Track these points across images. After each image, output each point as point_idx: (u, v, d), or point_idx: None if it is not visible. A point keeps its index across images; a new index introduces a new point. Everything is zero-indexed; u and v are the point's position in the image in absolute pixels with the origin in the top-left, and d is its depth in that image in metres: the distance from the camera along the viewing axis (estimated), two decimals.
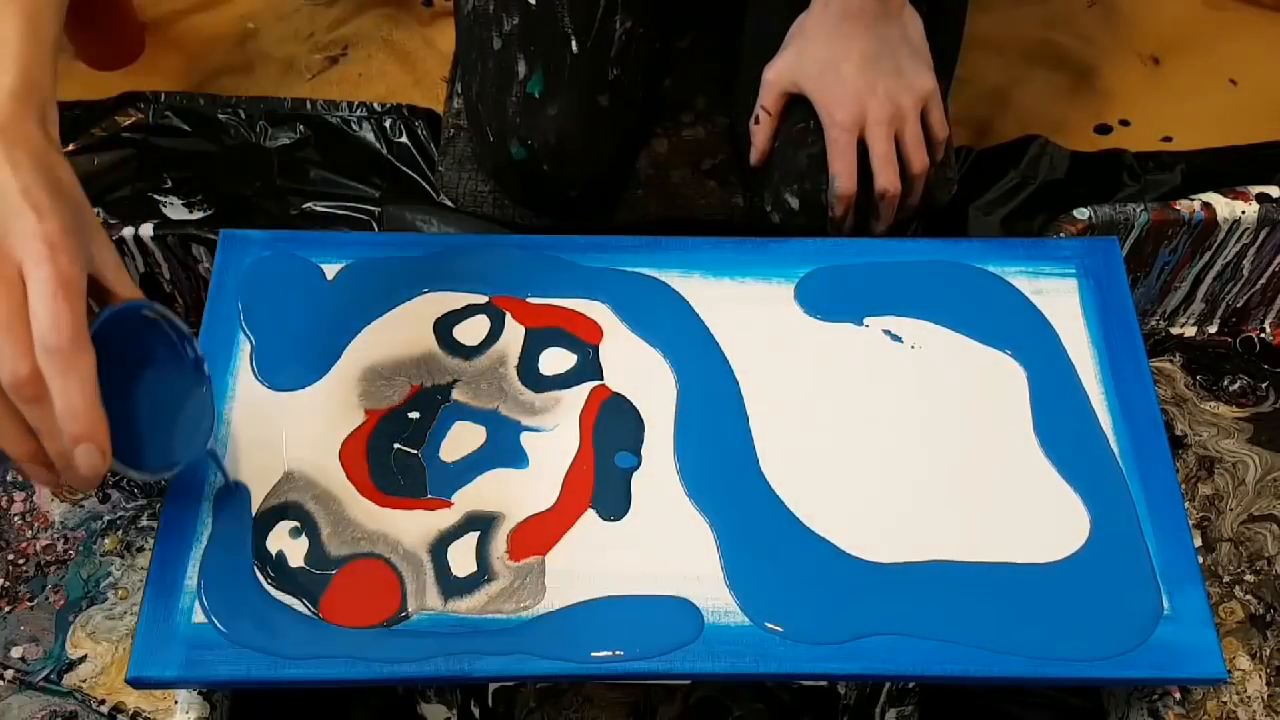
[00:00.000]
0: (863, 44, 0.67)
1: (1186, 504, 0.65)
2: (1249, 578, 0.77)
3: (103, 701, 0.71)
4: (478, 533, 0.57)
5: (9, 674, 0.71)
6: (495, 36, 0.75)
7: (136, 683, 0.53)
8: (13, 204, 0.43)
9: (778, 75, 0.71)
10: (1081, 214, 0.75)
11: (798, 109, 0.72)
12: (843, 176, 0.69)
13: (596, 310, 0.64)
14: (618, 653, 0.53)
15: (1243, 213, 0.77)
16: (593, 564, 0.56)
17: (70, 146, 0.94)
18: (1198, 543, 0.78)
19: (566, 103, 0.74)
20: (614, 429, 0.60)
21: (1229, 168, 0.96)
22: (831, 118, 0.69)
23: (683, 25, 0.92)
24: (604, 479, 0.58)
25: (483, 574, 0.55)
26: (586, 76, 0.74)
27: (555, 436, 0.60)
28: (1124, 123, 1.01)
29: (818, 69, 0.68)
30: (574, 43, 0.73)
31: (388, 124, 0.96)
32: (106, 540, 0.77)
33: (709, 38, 0.92)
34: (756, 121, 0.73)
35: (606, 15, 0.73)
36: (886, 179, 0.69)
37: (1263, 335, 0.88)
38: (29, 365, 0.43)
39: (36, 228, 0.43)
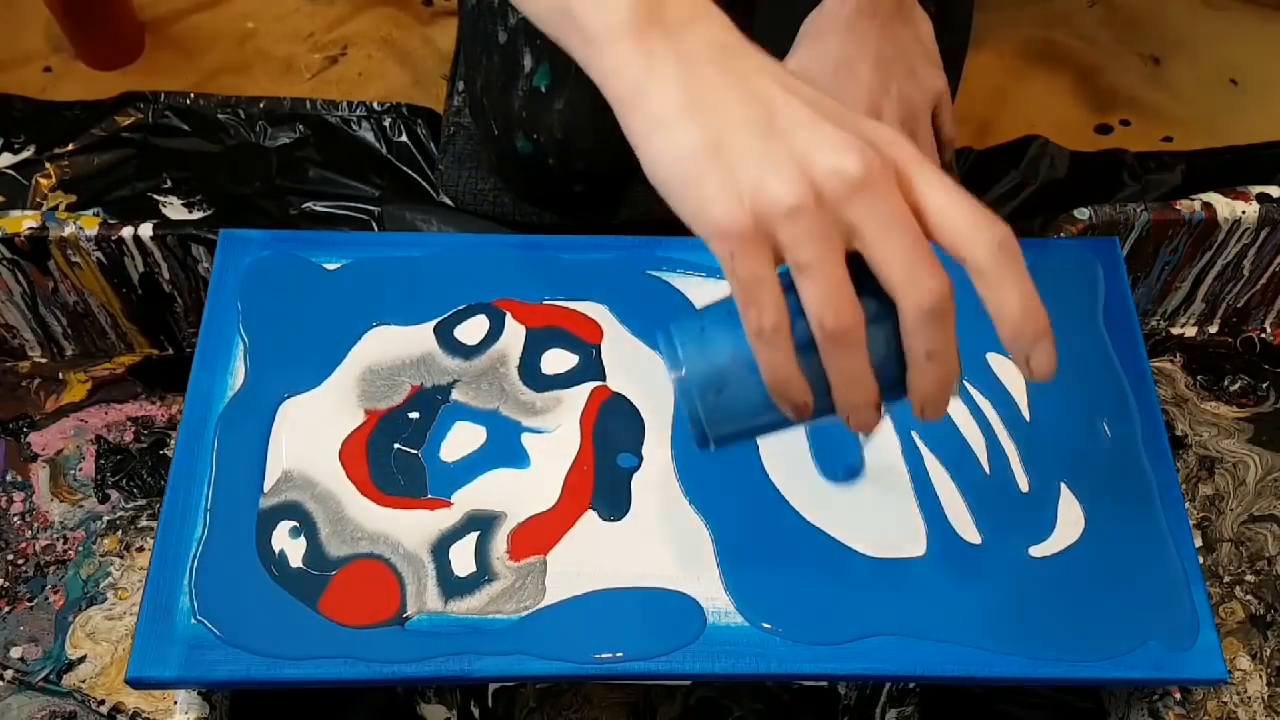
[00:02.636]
0: (877, 43, 0.67)
1: (1186, 504, 0.65)
2: (1249, 578, 0.77)
3: (102, 702, 0.71)
4: (478, 533, 0.57)
5: (8, 674, 0.71)
6: (500, 30, 0.75)
7: (136, 683, 0.53)
8: (843, 115, 0.39)
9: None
10: (1081, 214, 0.75)
11: None
12: None
13: (596, 310, 0.64)
14: (618, 653, 0.53)
15: (1243, 213, 0.77)
16: (593, 564, 0.56)
17: (70, 146, 0.94)
18: (1198, 543, 0.78)
19: (573, 97, 0.74)
20: (614, 429, 0.60)
21: (1229, 168, 0.97)
22: None
23: None
24: (604, 479, 0.58)
25: (483, 574, 0.55)
26: None
27: (556, 437, 0.60)
28: (1124, 123, 1.01)
29: (831, 68, 0.68)
30: None
31: (387, 123, 0.96)
32: (106, 540, 0.77)
33: None
34: None
35: None
36: None
37: (1263, 335, 0.88)
38: (948, 283, 0.37)
39: (882, 134, 0.39)
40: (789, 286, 0.39)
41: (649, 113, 0.40)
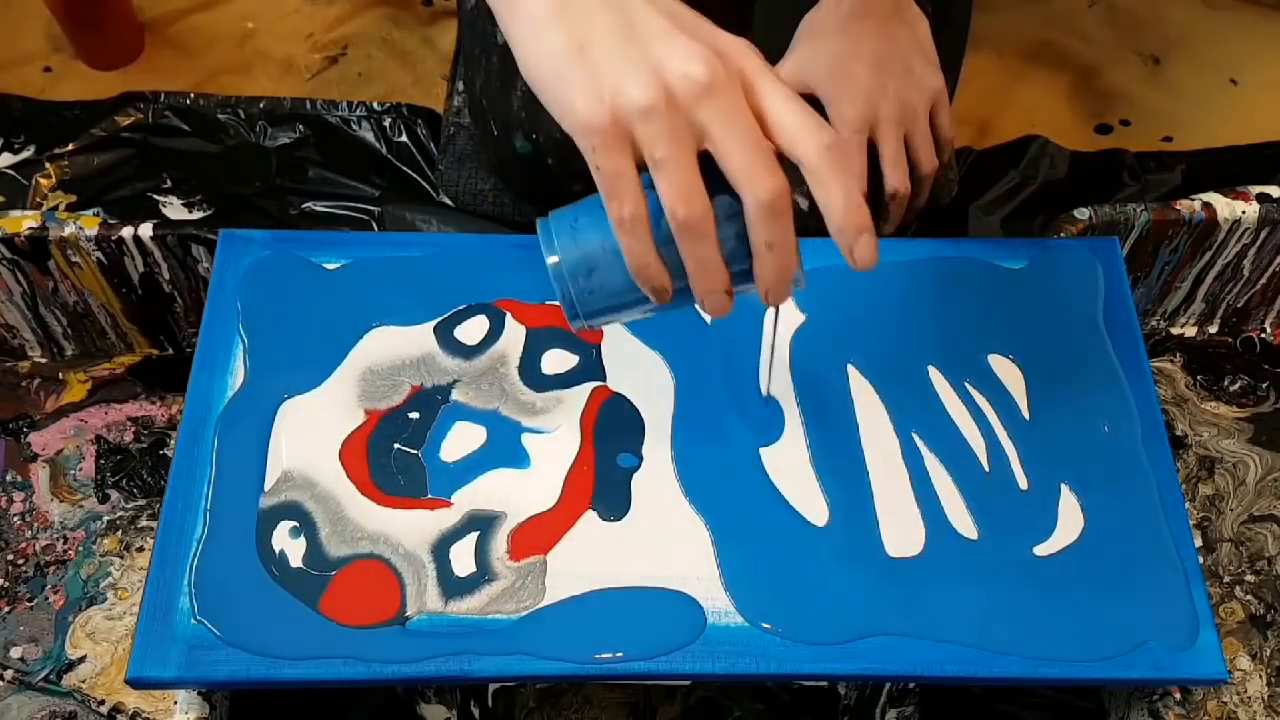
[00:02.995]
0: (874, 43, 0.67)
1: (1186, 504, 0.65)
2: (1249, 578, 0.77)
3: (102, 702, 0.71)
4: (478, 533, 0.57)
5: (8, 674, 0.71)
6: (499, 30, 0.75)
7: (136, 683, 0.53)
8: (700, 26, 0.43)
9: (787, 75, 0.71)
10: (1081, 214, 0.75)
11: None
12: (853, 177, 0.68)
13: None
14: (618, 653, 0.53)
15: (1243, 213, 0.77)
16: (593, 564, 0.56)
17: (70, 146, 0.94)
18: (1198, 543, 0.78)
19: None
20: (614, 429, 0.60)
21: (1229, 168, 0.97)
22: (842, 118, 0.68)
23: None
24: (604, 479, 0.58)
25: (483, 574, 0.55)
26: None
27: (556, 437, 0.60)
28: (1124, 123, 1.01)
29: (828, 68, 0.68)
30: None
31: (387, 123, 0.96)
32: (106, 540, 0.77)
33: None
34: None
35: None
36: (898, 180, 0.69)
37: (1263, 335, 0.88)
38: (781, 180, 0.42)
39: (732, 45, 0.43)
40: (651, 185, 0.43)
41: (525, 14, 0.44)
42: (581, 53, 0.42)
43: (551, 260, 0.47)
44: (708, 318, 0.52)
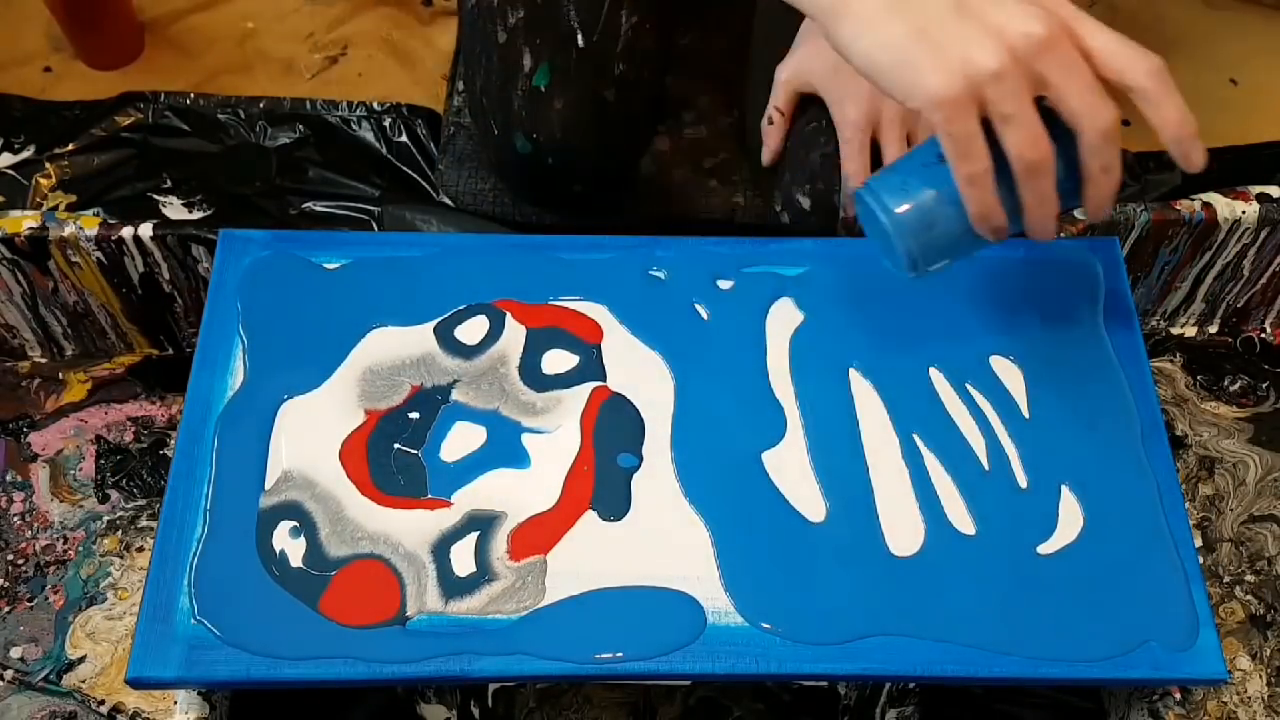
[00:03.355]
0: None
1: (1186, 504, 0.65)
2: (1249, 578, 0.77)
3: (102, 702, 0.71)
4: (478, 533, 0.57)
5: (9, 674, 0.71)
6: (500, 30, 0.75)
7: (136, 683, 0.53)
8: None
9: (790, 75, 0.71)
10: (1081, 214, 0.74)
11: (810, 108, 0.72)
12: (856, 177, 0.69)
13: (596, 311, 0.64)
14: (618, 653, 0.53)
15: (1243, 213, 0.77)
16: (593, 564, 0.56)
17: (70, 146, 0.94)
18: (1198, 543, 0.78)
19: (572, 97, 0.74)
20: (615, 429, 0.60)
21: (1229, 168, 0.97)
22: (845, 117, 0.68)
23: (687, 22, 0.92)
24: (604, 479, 0.58)
25: (483, 574, 0.55)
26: (592, 71, 0.74)
27: (556, 437, 0.60)
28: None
29: (831, 68, 0.68)
30: (580, 36, 0.73)
31: (387, 123, 0.96)
32: (106, 540, 0.77)
33: (712, 36, 0.92)
34: (770, 122, 0.73)
35: (613, 9, 0.73)
36: None
37: (1263, 335, 0.88)
38: (1117, 111, 0.48)
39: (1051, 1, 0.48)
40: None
41: (857, 15, 0.49)
42: (923, 36, 0.47)
43: (899, 213, 0.53)
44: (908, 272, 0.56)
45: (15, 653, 0.72)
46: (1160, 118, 0.49)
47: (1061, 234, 0.74)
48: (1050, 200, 0.50)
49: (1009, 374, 0.63)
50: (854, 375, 0.62)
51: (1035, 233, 0.51)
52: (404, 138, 0.95)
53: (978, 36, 0.46)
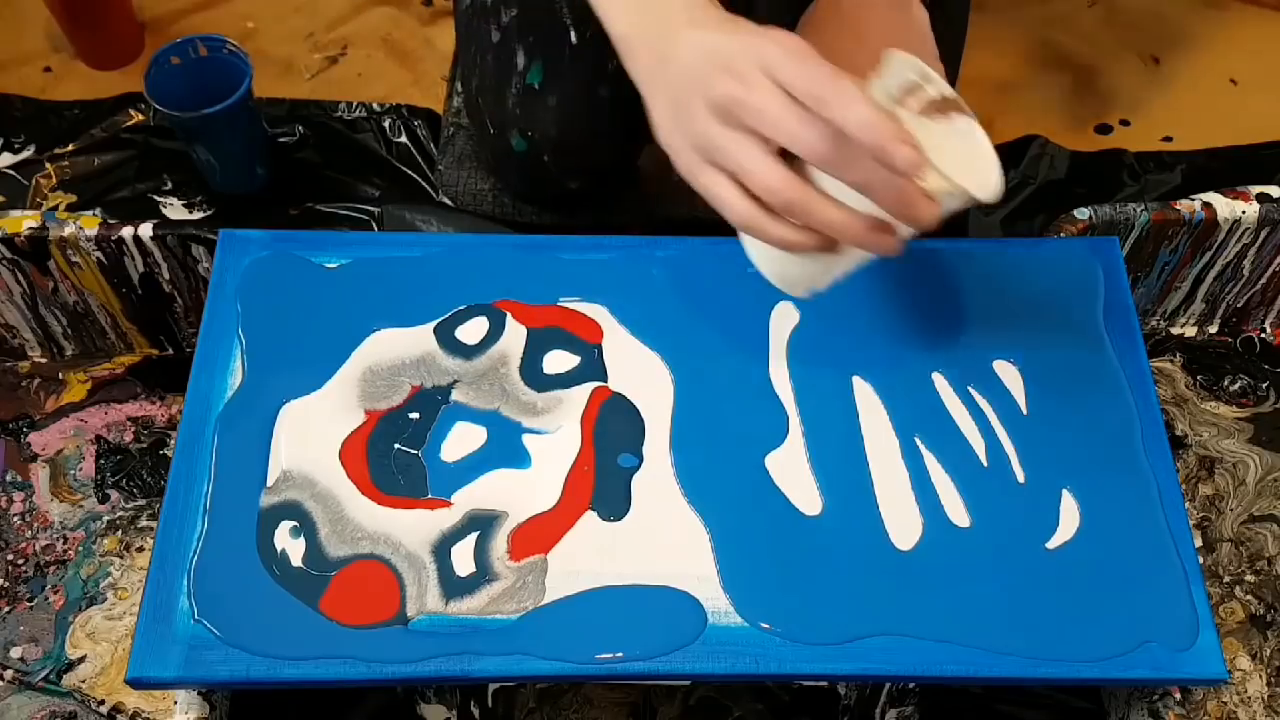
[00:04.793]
0: (873, 34, 0.67)
1: (1186, 504, 0.65)
2: (1249, 578, 0.77)
3: (102, 702, 0.71)
4: (478, 533, 0.57)
5: (9, 674, 0.71)
6: (494, 29, 0.75)
7: (136, 683, 0.53)
8: (733, 46, 0.50)
9: None
10: (1081, 214, 0.75)
11: None
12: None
13: (596, 311, 0.64)
14: (618, 653, 0.53)
15: (1243, 213, 0.77)
16: (593, 564, 0.56)
17: (70, 146, 0.94)
18: (1198, 543, 0.78)
19: (566, 93, 0.74)
20: (615, 429, 0.60)
21: (1229, 168, 0.97)
22: None
23: None
24: (605, 479, 0.58)
25: (483, 574, 0.55)
26: (586, 67, 0.74)
27: (556, 437, 0.60)
28: (1124, 123, 1.01)
29: (831, 60, 0.68)
30: (573, 33, 0.73)
31: (387, 124, 0.96)
32: (106, 540, 0.77)
33: None
34: None
35: None
36: None
37: (1263, 335, 0.88)
38: (820, 130, 0.48)
39: (758, 44, 0.49)
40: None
41: (649, 99, 0.54)
42: (675, 111, 0.52)
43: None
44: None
45: (15, 653, 0.72)
46: (842, 122, 0.48)
47: (1061, 234, 0.74)
48: (839, 222, 0.50)
49: (1009, 374, 0.63)
50: (853, 374, 0.62)
51: (869, 249, 0.52)
52: (404, 138, 0.95)
53: (696, 107, 0.51)
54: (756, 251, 0.56)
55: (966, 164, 0.50)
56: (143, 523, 0.78)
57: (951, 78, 0.76)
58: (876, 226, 0.51)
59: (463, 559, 0.56)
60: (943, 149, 0.48)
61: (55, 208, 0.91)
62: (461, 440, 0.60)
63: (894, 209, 0.49)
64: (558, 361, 0.62)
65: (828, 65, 0.49)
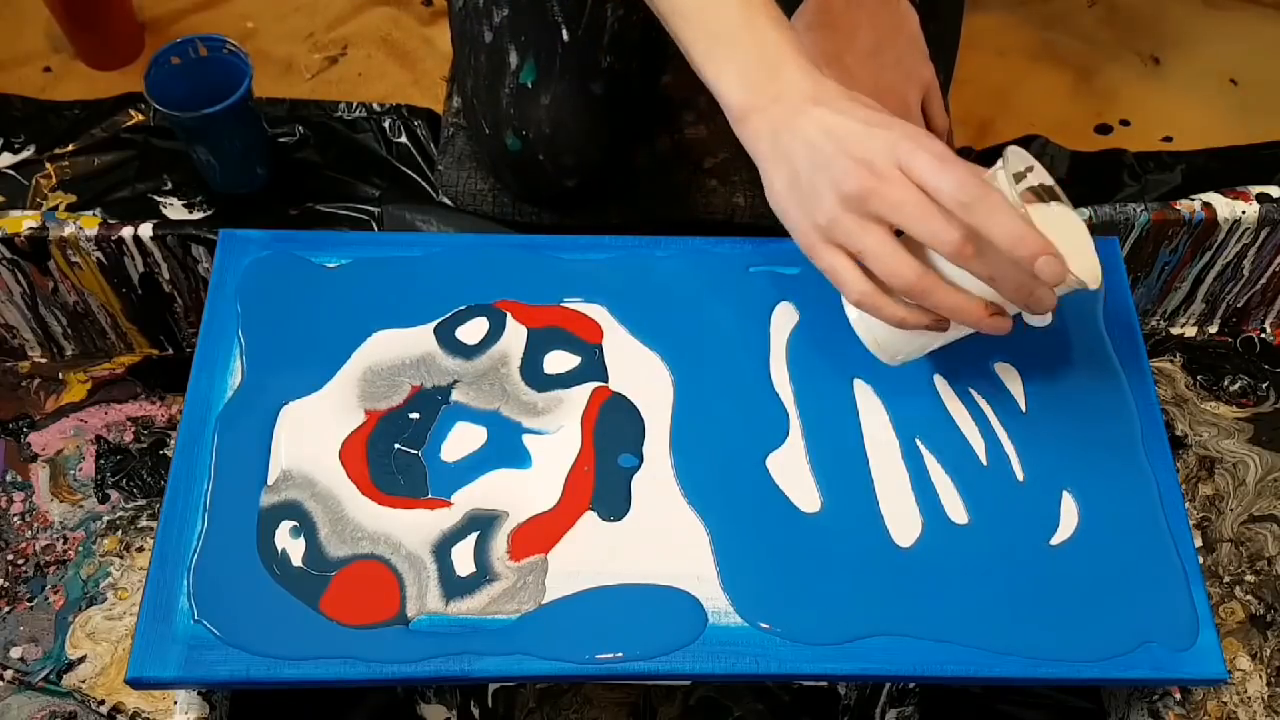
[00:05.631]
0: (865, 35, 0.67)
1: (1186, 504, 0.65)
2: (1249, 578, 0.77)
3: (102, 702, 0.71)
4: (478, 533, 0.57)
5: (9, 674, 0.71)
6: (486, 30, 0.75)
7: (136, 683, 0.53)
8: (862, 134, 0.52)
9: None
10: (1081, 214, 0.75)
11: None
12: None
13: (596, 311, 0.64)
14: (618, 653, 0.53)
15: (1243, 213, 0.77)
16: (593, 564, 0.56)
17: (70, 146, 0.94)
18: (1198, 543, 0.78)
19: (559, 92, 0.74)
20: (615, 430, 0.60)
21: (1229, 168, 0.97)
22: None
23: None
24: (605, 480, 0.58)
25: (483, 574, 0.55)
26: (578, 65, 0.74)
27: (556, 437, 0.60)
28: (1124, 123, 1.01)
29: (822, 61, 0.68)
30: (564, 31, 0.73)
31: (387, 124, 0.96)
32: (106, 540, 0.77)
33: None
34: None
35: (597, 3, 0.73)
36: None
37: (1263, 335, 0.88)
38: (959, 230, 0.50)
39: (889, 137, 0.52)
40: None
41: (764, 172, 0.56)
42: (793, 189, 0.54)
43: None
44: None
45: (15, 653, 0.72)
46: (994, 242, 0.50)
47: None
48: (960, 307, 0.53)
49: (1008, 374, 0.63)
50: (854, 374, 0.62)
51: (982, 331, 0.54)
52: (404, 138, 0.95)
53: (823, 189, 0.52)
54: (863, 324, 0.58)
55: (1071, 250, 0.51)
56: (143, 523, 0.78)
57: (945, 78, 0.76)
58: (995, 311, 0.53)
59: (463, 559, 0.56)
60: (1048, 235, 0.50)
61: (55, 208, 0.91)
62: (462, 440, 0.60)
63: (1016, 299, 0.52)
64: (558, 361, 0.62)
65: (965, 165, 0.51)
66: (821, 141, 0.53)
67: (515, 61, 0.74)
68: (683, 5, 0.57)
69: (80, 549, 0.77)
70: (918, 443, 0.60)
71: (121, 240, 0.75)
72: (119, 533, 0.77)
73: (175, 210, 0.90)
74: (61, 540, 0.77)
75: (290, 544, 0.56)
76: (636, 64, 0.78)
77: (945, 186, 0.50)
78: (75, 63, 1.01)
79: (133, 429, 0.82)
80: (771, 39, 0.56)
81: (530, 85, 0.74)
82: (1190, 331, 0.88)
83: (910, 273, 0.52)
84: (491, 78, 0.76)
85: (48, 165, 0.93)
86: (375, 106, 0.97)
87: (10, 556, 0.76)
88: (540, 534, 0.57)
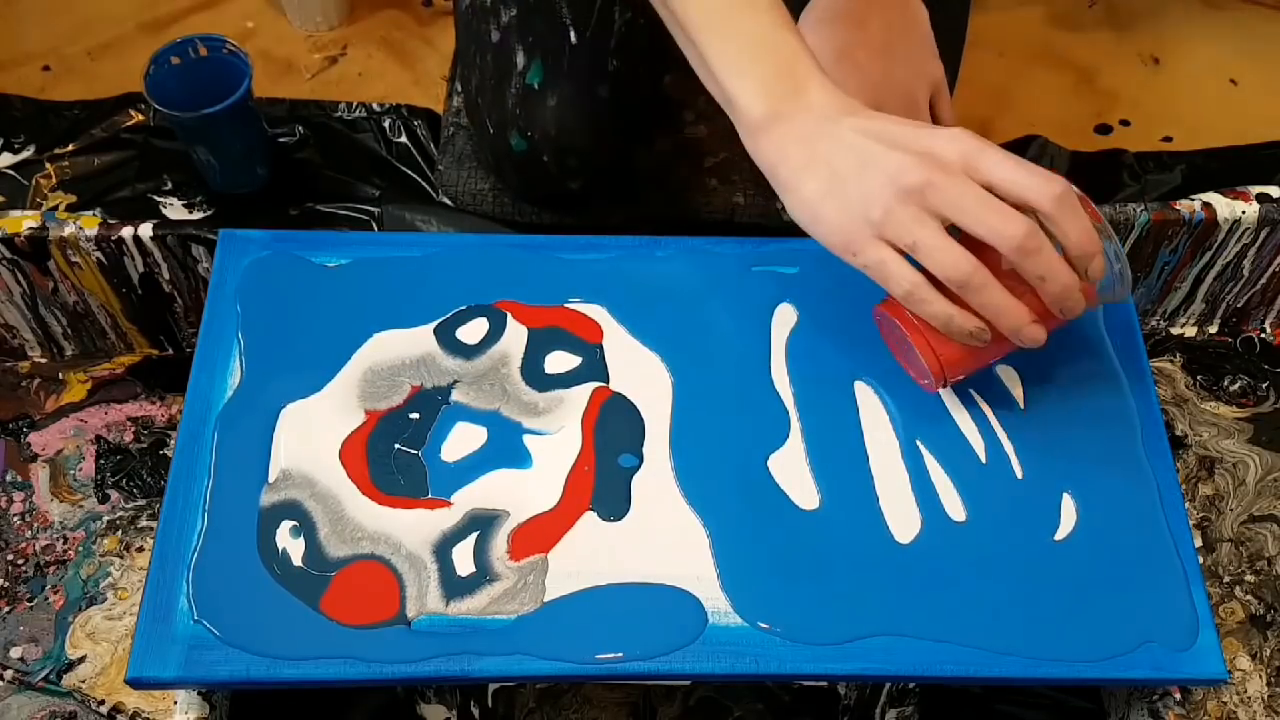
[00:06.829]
0: (875, 30, 0.67)
1: (1186, 504, 0.65)
2: (1249, 578, 0.77)
3: (102, 702, 0.71)
4: (478, 533, 0.57)
5: (9, 674, 0.71)
6: (494, 29, 0.75)
7: (136, 683, 0.53)
8: (914, 139, 0.53)
9: None
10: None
11: None
12: None
13: (595, 311, 0.64)
14: (618, 653, 0.53)
15: (1243, 213, 0.77)
16: (593, 564, 0.56)
17: (70, 147, 0.94)
18: (1198, 543, 0.78)
19: (566, 93, 0.74)
20: (615, 430, 0.60)
21: (1229, 168, 0.97)
22: None
23: None
24: (605, 480, 0.58)
25: (484, 574, 0.55)
26: (586, 67, 0.74)
27: (557, 437, 0.60)
28: (1124, 123, 1.01)
29: (832, 56, 0.68)
30: (573, 33, 0.73)
31: (387, 124, 0.96)
32: (106, 540, 0.77)
33: None
34: None
35: (606, 6, 0.73)
36: None
37: (1263, 335, 0.88)
38: (1024, 225, 0.50)
39: (946, 142, 0.52)
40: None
41: (784, 182, 0.55)
42: (830, 193, 0.53)
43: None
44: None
45: (15, 653, 0.72)
46: (1065, 238, 0.51)
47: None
48: (1008, 308, 0.53)
49: (1008, 374, 0.63)
50: (854, 375, 0.62)
51: (1019, 339, 0.54)
52: (404, 138, 0.95)
53: (875, 185, 0.52)
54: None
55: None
56: (143, 523, 0.78)
57: (952, 76, 0.76)
58: (1037, 318, 0.54)
59: (463, 559, 0.56)
60: None
61: (55, 208, 0.91)
62: (462, 440, 0.60)
63: (1058, 300, 0.53)
64: (558, 362, 0.62)
65: (1032, 165, 0.52)
66: (866, 143, 0.53)
67: (522, 62, 0.74)
68: (700, 14, 0.57)
69: (80, 549, 0.77)
70: (918, 443, 0.60)
71: (121, 240, 0.75)
72: (119, 533, 0.77)
73: (175, 210, 0.90)
74: (61, 540, 0.77)
75: (290, 544, 0.56)
76: (643, 68, 0.78)
77: (1028, 182, 0.50)
78: (75, 63, 1.01)
79: (133, 429, 0.82)
80: (795, 51, 0.56)
81: (537, 86, 0.74)
82: (1190, 331, 0.88)
83: (967, 264, 0.51)
84: (497, 77, 0.76)
85: (48, 165, 0.93)
86: (375, 106, 0.97)
87: (10, 556, 0.76)
88: (540, 534, 0.57)
